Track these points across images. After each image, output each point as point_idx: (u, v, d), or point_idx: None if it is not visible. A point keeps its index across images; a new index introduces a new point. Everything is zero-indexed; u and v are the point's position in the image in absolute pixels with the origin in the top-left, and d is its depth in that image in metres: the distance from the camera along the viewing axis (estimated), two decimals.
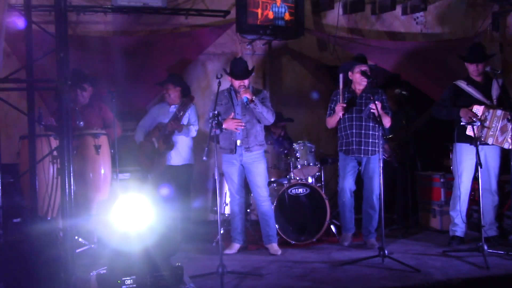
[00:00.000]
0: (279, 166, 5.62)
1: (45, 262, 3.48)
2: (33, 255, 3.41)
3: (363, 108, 5.00)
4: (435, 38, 7.47)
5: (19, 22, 4.10)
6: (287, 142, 5.81)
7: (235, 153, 4.88)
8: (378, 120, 4.65)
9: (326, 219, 5.34)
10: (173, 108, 5.51)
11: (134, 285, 3.38)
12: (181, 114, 5.32)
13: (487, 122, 4.81)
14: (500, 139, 4.86)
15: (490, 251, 4.44)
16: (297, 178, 5.61)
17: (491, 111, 4.82)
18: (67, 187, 3.65)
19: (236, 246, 5.01)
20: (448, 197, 5.46)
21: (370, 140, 5.03)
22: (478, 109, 4.81)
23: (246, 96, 4.73)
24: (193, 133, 5.52)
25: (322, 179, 5.90)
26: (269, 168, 5.54)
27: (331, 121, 5.20)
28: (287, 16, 6.47)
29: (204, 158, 4.13)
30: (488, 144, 4.90)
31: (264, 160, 5.02)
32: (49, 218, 4.22)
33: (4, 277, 3.32)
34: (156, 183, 5.27)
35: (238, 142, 4.88)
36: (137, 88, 6.00)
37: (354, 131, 5.03)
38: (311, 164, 5.56)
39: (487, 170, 4.99)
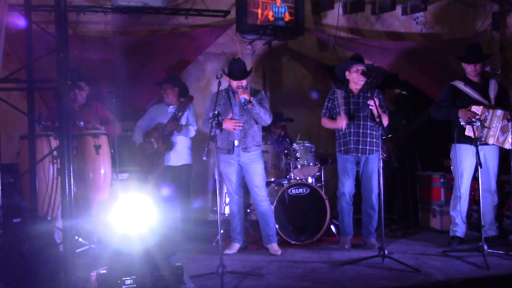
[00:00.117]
0: (279, 166, 5.61)
1: (45, 262, 3.48)
2: (33, 255, 3.41)
3: (361, 107, 5.00)
4: (435, 38, 7.48)
5: (19, 22, 4.10)
6: (287, 142, 5.81)
7: (233, 153, 4.88)
8: (377, 119, 4.66)
9: (326, 219, 5.34)
10: (171, 109, 5.50)
11: (134, 285, 3.38)
12: (180, 114, 5.32)
13: (487, 122, 4.81)
14: (501, 139, 4.86)
15: (490, 251, 4.44)
16: (297, 178, 5.61)
17: (491, 111, 4.82)
18: (67, 187, 3.65)
19: (236, 246, 5.01)
20: (448, 197, 5.46)
21: (368, 140, 5.03)
22: (477, 109, 4.81)
23: (244, 97, 4.73)
24: (192, 133, 5.51)
25: (322, 179, 5.90)
26: (269, 168, 5.55)
27: (328, 125, 5.20)
28: (287, 16, 6.47)
29: (204, 158, 4.14)
30: (488, 144, 4.90)
31: (262, 160, 5.03)
32: (49, 218, 4.22)
33: (4, 277, 3.32)
34: (155, 184, 5.27)
35: (236, 142, 4.88)
36: (137, 88, 6.00)
37: (352, 130, 5.02)
38: (311, 164, 5.56)
39: (487, 170, 4.99)
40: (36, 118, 4.25)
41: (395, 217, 6.22)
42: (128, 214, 3.63)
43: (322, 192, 5.45)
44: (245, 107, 4.77)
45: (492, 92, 4.97)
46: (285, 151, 5.62)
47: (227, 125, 4.76)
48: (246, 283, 3.98)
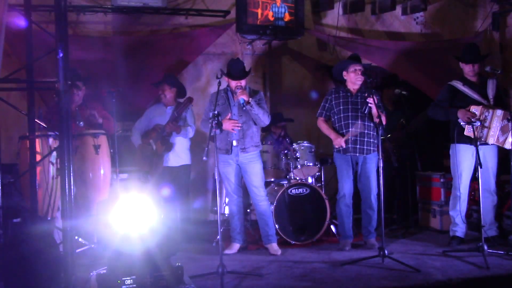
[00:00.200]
0: (279, 166, 5.61)
1: (45, 262, 3.48)
2: (33, 255, 3.41)
3: (359, 107, 5.00)
4: (435, 38, 7.47)
5: (19, 22, 4.10)
6: (287, 142, 5.81)
7: (231, 153, 4.88)
8: (376, 119, 4.67)
9: (326, 219, 5.34)
10: (169, 109, 5.49)
11: (134, 285, 3.39)
12: (179, 115, 5.31)
13: (487, 122, 4.81)
14: (501, 139, 4.86)
15: (490, 251, 4.44)
16: (297, 178, 5.61)
17: (490, 111, 4.82)
18: (67, 187, 3.66)
19: (236, 246, 5.01)
20: (448, 197, 5.46)
21: (366, 139, 5.03)
22: (476, 110, 4.81)
23: (242, 97, 4.73)
24: (191, 134, 5.50)
25: (322, 179, 5.90)
26: (269, 168, 5.55)
27: (324, 129, 5.19)
28: (287, 16, 6.47)
29: (204, 158, 4.14)
30: (487, 144, 4.90)
31: (260, 160, 5.03)
32: (49, 218, 4.22)
33: (4, 277, 3.33)
34: (155, 184, 5.27)
35: (234, 142, 4.89)
36: (137, 88, 6.00)
37: (350, 129, 5.01)
38: (311, 164, 5.56)
39: (486, 170, 4.99)
40: (36, 118, 4.24)
41: (395, 217, 6.23)
42: (128, 214, 3.63)
43: (322, 192, 5.45)
44: (244, 108, 4.77)
45: (491, 92, 4.97)
46: (285, 151, 5.62)
47: (226, 125, 4.76)
48: (246, 283, 3.98)
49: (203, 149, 4.14)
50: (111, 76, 5.70)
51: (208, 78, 6.75)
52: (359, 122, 4.96)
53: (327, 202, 5.37)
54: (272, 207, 5.21)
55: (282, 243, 5.15)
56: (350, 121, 5.02)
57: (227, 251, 4.90)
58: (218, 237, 4.51)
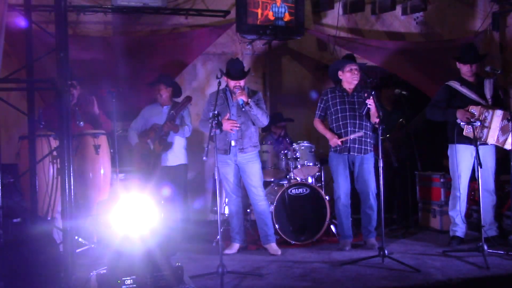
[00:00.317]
0: (279, 166, 5.61)
1: (45, 262, 3.48)
2: (33, 255, 3.41)
3: (356, 107, 5.01)
4: (435, 38, 7.47)
5: (19, 22, 4.10)
6: (287, 142, 5.81)
7: (229, 153, 4.89)
8: (376, 119, 4.67)
9: (326, 219, 5.34)
10: (166, 109, 5.49)
11: (134, 285, 3.38)
12: (177, 114, 5.30)
13: (487, 122, 4.81)
14: (501, 140, 4.86)
15: (490, 251, 4.44)
16: (297, 178, 5.61)
17: (490, 111, 4.81)
18: (67, 187, 3.66)
19: (236, 246, 5.01)
20: (448, 197, 5.46)
21: (363, 139, 5.03)
22: (474, 110, 4.81)
23: (241, 98, 4.74)
24: (188, 133, 5.51)
25: (322, 179, 5.90)
26: (269, 168, 5.55)
27: (320, 129, 5.19)
28: (287, 16, 6.47)
29: (204, 158, 4.14)
30: (486, 144, 4.90)
31: (259, 160, 5.03)
32: (49, 218, 4.22)
33: (4, 277, 3.32)
34: (154, 184, 5.26)
35: (233, 142, 4.89)
36: (137, 88, 6.00)
37: (349, 129, 5.01)
38: (311, 164, 5.56)
39: (486, 170, 4.98)
40: (36, 118, 4.25)
41: (395, 217, 6.23)
42: (128, 214, 3.63)
43: (322, 192, 5.45)
44: (243, 109, 4.78)
45: (488, 92, 4.98)
46: (285, 151, 5.62)
47: (225, 125, 4.75)
48: (246, 283, 3.98)
49: (202, 148, 4.14)
50: (111, 76, 5.70)
51: (208, 78, 6.75)
52: (361, 130, 4.97)
53: (327, 202, 5.37)
54: (272, 207, 5.21)
55: (282, 243, 5.15)
56: (348, 121, 5.02)
57: (227, 251, 4.90)
58: (218, 237, 4.51)
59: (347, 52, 5.98)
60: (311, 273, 4.24)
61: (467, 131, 4.80)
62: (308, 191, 5.42)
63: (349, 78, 5.07)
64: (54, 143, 4.33)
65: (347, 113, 5.04)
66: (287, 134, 6.26)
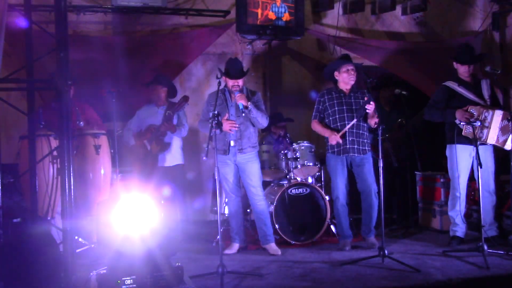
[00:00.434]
0: (279, 166, 5.61)
1: (45, 262, 3.48)
2: (33, 255, 3.41)
3: (353, 107, 5.01)
4: (435, 38, 7.47)
5: (19, 22, 4.10)
6: (287, 142, 5.81)
7: (228, 154, 4.89)
8: (376, 119, 4.70)
9: (326, 219, 5.34)
10: (162, 109, 5.47)
11: (134, 285, 3.38)
12: (174, 114, 5.29)
13: (487, 122, 4.81)
14: (501, 140, 4.86)
15: (490, 251, 4.44)
16: (297, 178, 5.61)
17: (490, 111, 4.81)
18: (67, 187, 3.66)
19: (235, 246, 5.01)
20: (448, 197, 5.46)
21: (361, 140, 5.04)
22: (474, 110, 4.81)
23: (241, 103, 4.74)
24: (184, 133, 5.50)
25: (322, 179, 5.90)
26: (269, 168, 5.55)
27: (318, 130, 5.18)
28: (287, 16, 6.47)
29: (204, 158, 4.14)
30: (484, 144, 4.90)
31: (258, 160, 5.04)
32: (49, 218, 4.22)
33: (4, 277, 3.33)
34: (152, 185, 5.25)
35: (232, 143, 4.89)
36: (137, 88, 6.00)
37: (347, 130, 5.02)
38: (311, 164, 5.56)
39: (486, 170, 4.98)
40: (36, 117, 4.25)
41: (395, 217, 6.22)
42: (128, 214, 3.63)
43: (322, 192, 5.45)
44: (243, 113, 4.79)
45: (486, 92, 4.98)
46: (285, 151, 5.62)
47: (223, 126, 4.75)
48: (246, 283, 3.98)
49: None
50: (111, 76, 5.69)
51: (208, 78, 6.75)
52: (355, 119, 4.95)
53: (327, 202, 5.37)
54: (272, 207, 5.21)
55: (282, 243, 5.15)
56: (346, 122, 5.02)
57: (227, 251, 4.90)
58: (218, 237, 4.51)
59: (347, 52, 6.00)
60: (311, 273, 4.24)
61: (466, 131, 4.80)
62: (308, 191, 5.42)
63: (346, 79, 5.07)
64: (54, 143, 4.33)
65: (345, 114, 5.04)
66: (287, 134, 6.26)
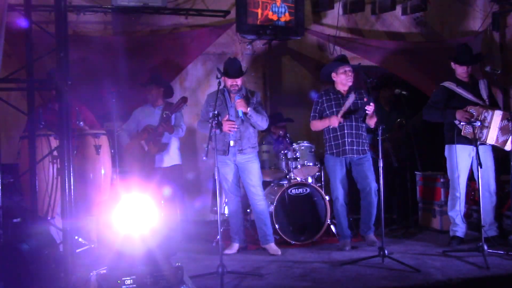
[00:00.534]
0: (279, 166, 5.61)
1: (45, 262, 3.48)
2: (33, 255, 3.41)
3: (352, 108, 5.01)
4: (435, 38, 7.47)
5: (19, 22, 4.10)
6: (287, 142, 5.81)
7: (228, 154, 4.89)
8: (375, 118, 4.72)
9: (326, 219, 5.34)
10: (158, 110, 5.46)
11: (134, 285, 3.38)
12: (172, 115, 5.28)
13: (487, 122, 4.81)
14: (500, 140, 4.86)
15: (490, 251, 4.44)
16: (297, 178, 5.61)
17: (490, 111, 4.81)
18: (67, 187, 3.65)
19: (235, 246, 5.01)
20: (448, 197, 5.46)
21: (360, 140, 5.06)
22: (473, 110, 4.81)
23: (241, 109, 4.76)
24: (182, 133, 5.49)
25: (322, 179, 5.90)
26: (269, 168, 5.55)
27: (318, 125, 5.18)
28: (287, 16, 6.47)
29: (204, 158, 4.14)
30: (484, 144, 4.90)
31: (257, 160, 5.04)
32: (49, 218, 4.22)
33: (4, 277, 3.32)
34: (152, 185, 5.24)
35: (232, 143, 4.89)
36: (137, 88, 5.99)
37: (346, 131, 5.02)
38: (311, 164, 5.56)
39: (485, 170, 4.98)
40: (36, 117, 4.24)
41: (395, 217, 6.22)
42: (128, 214, 3.63)
43: (322, 192, 5.45)
44: (243, 121, 4.81)
45: (484, 92, 4.99)
46: (285, 151, 5.62)
47: (223, 126, 4.75)
48: (246, 283, 3.98)
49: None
50: (111, 76, 5.69)
51: (208, 78, 6.74)
52: (351, 95, 4.94)
53: (327, 202, 5.37)
54: (272, 207, 5.21)
55: (282, 243, 5.15)
56: (344, 123, 5.02)
57: (227, 251, 4.90)
58: (218, 237, 4.51)
59: (347, 52, 6.00)
60: (311, 273, 4.25)
61: (466, 131, 4.80)
62: (308, 191, 5.42)
63: (344, 80, 5.08)
64: (54, 143, 4.33)
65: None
66: (287, 134, 6.26)
